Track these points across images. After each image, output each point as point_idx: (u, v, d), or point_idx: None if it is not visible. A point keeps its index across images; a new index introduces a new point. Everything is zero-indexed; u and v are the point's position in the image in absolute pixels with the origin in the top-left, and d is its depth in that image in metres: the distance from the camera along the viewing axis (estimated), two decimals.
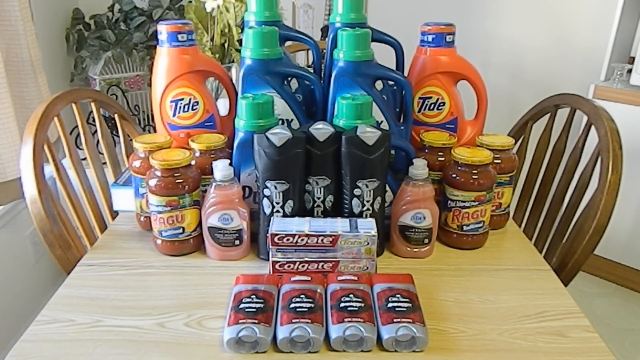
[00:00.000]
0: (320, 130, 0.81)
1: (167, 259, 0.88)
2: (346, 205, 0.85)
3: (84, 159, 1.14)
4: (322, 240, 0.77)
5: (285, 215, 0.83)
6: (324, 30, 2.57)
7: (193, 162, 0.88)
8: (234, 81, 1.04)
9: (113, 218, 1.08)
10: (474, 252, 0.91)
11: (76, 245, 0.97)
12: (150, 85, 0.99)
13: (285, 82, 0.92)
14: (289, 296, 0.71)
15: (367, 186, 0.82)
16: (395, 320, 0.67)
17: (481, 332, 0.71)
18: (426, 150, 0.95)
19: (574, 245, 1.00)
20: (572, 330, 0.72)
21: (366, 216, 0.84)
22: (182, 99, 0.96)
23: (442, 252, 0.91)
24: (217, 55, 1.42)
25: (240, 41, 1.40)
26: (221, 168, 0.83)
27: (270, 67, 0.88)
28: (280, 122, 0.91)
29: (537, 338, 0.70)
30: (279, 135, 0.79)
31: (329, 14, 1.08)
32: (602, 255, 2.05)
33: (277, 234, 0.77)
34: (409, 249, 0.89)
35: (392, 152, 0.91)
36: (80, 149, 1.25)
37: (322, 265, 0.79)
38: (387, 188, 0.89)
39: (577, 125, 1.19)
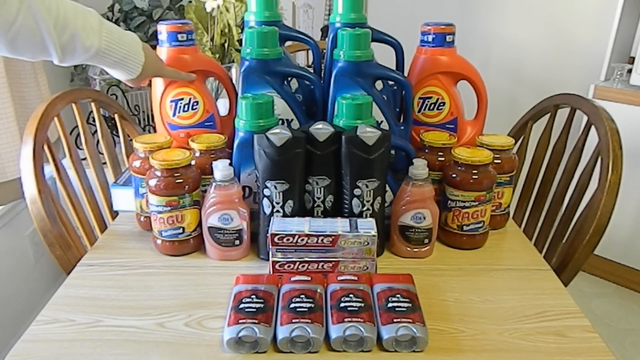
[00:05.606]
0: (320, 130, 0.81)
1: (167, 259, 0.88)
2: (346, 205, 0.85)
3: (84, 159, 1.14)
4: (322, 240, 0.77)
5: (285, 215, 0.83)
6: (324, 30, 2.57)
7: (193, 162, 0.88)
8: (234, 81, 1.04)
9: (113, 218, 1.08)
10: (474, 252, 0.91)
11: (76, 245, 0.97)
12: (150, 85, 0.98)
13: (285, 82, 0.92)
14: (289, 296, 0.71)
15: (367, 186, 0.82)
16: (395, 320, 0.67)
17: (481, 332, 0.71)
18: (426, 150, 0.95)
19: (574, 245, 1.00)
20: (572, 330, 0.72)
21: (366, 216, 0.84)
22: (182, 99, 0.96)
23: (442, 252, 0.91)
24: (217, 55, 1.42)
25: (240, 41, 1.40)
26: (221, 168, 0.83)
27: (270, 67, 0.88)
28: (280, 122, 0.91)
29: (537, 338, 0.70)
30: (279, 135, 0.79)
31: (329, 14, 1.08)
32: (602, 255, 2.05)
33: (277, 234, 0.77)
34: (409, 249, 0.89)
35: (392, 152, 0.91)
36: (80, 149, 1.25)
37: (322, 265, 0.79)
38: (387, 188, 0.89)
39: (577, 125, 1.19)
